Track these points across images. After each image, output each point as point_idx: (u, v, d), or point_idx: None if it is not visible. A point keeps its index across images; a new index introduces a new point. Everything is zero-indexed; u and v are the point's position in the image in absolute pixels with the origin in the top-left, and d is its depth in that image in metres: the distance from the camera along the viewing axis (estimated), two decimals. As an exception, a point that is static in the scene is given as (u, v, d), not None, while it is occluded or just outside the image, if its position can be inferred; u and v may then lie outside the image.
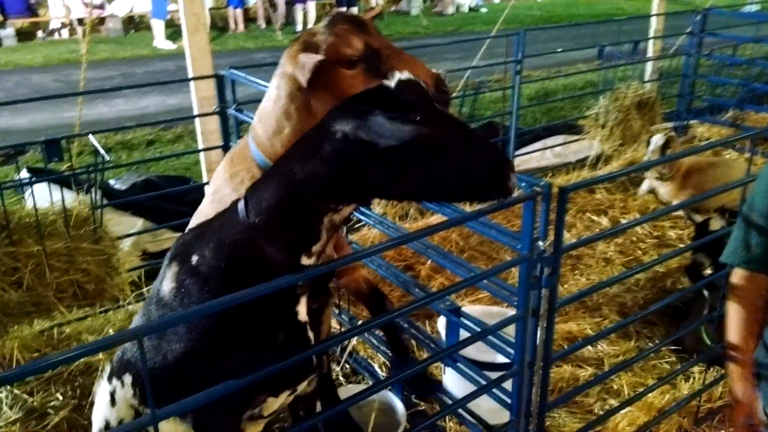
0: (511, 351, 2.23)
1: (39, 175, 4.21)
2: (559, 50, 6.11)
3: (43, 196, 3.46)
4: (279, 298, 1.59)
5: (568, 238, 5.01)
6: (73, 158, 4.61)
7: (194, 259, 1.62)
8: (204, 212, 2.16)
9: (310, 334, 1.71)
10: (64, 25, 15.51)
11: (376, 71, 2.01)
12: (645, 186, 5.63)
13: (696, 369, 3.37)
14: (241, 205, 1.61)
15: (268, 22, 16.61)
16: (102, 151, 3.17)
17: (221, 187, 2.19)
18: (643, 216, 5.20)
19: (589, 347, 3.74)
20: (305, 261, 1.61)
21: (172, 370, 1.59)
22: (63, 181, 4.00)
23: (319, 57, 1.96)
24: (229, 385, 1.44)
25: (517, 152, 5.91)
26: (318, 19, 16.77)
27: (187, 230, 1.76)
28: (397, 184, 1.55)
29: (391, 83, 1.52)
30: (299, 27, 16.10)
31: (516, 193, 1.70)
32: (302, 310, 1.68)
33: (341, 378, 3.29)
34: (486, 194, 1.62)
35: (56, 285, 3.24)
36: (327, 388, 2.42)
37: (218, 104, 3.84)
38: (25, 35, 15.27)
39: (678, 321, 3.82)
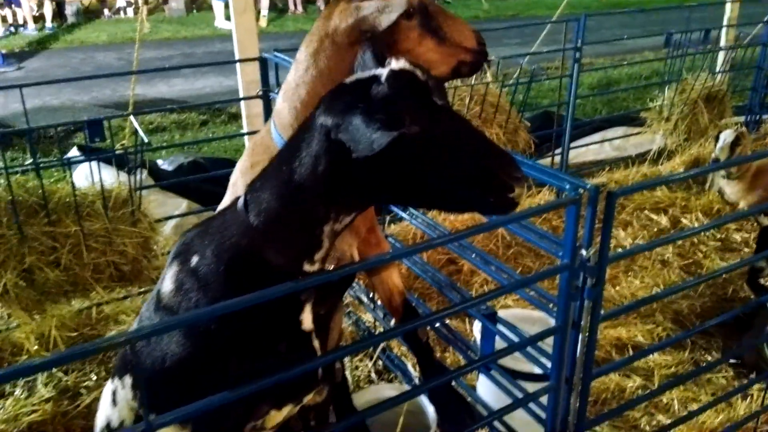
0: (548, 364, 2.07)
1: (86, 154, 4.23)
2: (623, 37, 5.77)
3: (90, 176, 3.46)
4: (280, 306, 1.48)
5: (623, 237, 4.76)
6: (126, 138, 4.65)
7: (194, 259, 1.52)
8: (224, 206, 2.07)
9: (316, 343, 1.60)
10: (129, 4, 15.82)
11: (427, 25, 1.96)
12: (715, 186, 5.27)
13: (755, 387, 3.12)
14: (240, 203, 1.51)
15: (327, 2, 16.52)
16: (141, 133, 3.13)
17: (238, 180, 2.09)
18: (707, 222, 4.89)
19: (640, 356, 3.53)
20: (308, 268, 1.49)
21: (171, 375, 1.51)
22: (109, 161, 4.02)
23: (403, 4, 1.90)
24: (226, 396, 1.35)
25: (573, 144, 5.64)
26: (378, 2, 16.60)
27: (191, 227, 1.67)
28: (387, 191, 1.40)
29: (382, 75, 1.36)
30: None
31: (562, 196, 1.53)
32: (307, 318, 1.56)
33: (373, 374, 3.19)
34: (483, 209, 1.46)
35: (93, 266, 3.23)
36: (341, 396, 2.29)
37: (261, 87, 3.77)
38: (91, 13, 15.66)
39: (738, 332, 3.56)
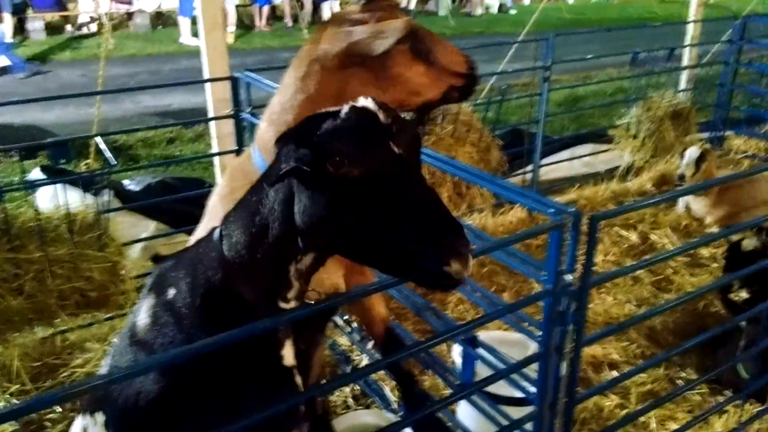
0: (531, 389, 2.05)
1: (51, 175, 4.11)
2: (589, 56, 5.85)
3: (56, 198, 3.35)
4: (258, 343, 1.42)
5: (595, 253, 4.78)
6: (91, 158, 4.53)
7: (171, 292, 1.46)
8: (199, 234, 2.01)
9: (298, 379, 1.54)
10: (92, 20, 15.56)
11: (418, 50, 1.95)
12: (681, 204, 5.37)
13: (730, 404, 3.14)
14: (216, 235, 1.45)
15: (295, 20, 16.52)
16: (109, 154, 3.05)
17: (217, 205, 2.03)
18: (675, 237, 4.95)
19: (615, 372, 3.54)
20: (283, 305, 1.43)
21: (145, 414, 1.44)
22: (74, 183, 3.91)
23: (406, 20, 1.89)
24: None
25: (543, 161, 5.70)
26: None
27: (168, 257, 1.61)
28: (327, 238, 1.33)
29: (344, 109, 1.31)
30: (326, 26, 15.96)
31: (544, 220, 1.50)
32: (288, 354, 1.50)
33: (350, 400, 3.13)
34: (423, 283, 1.36)
35: (59, 292, 3.12)
36: (323, 429, 2.22)
37: (232, 107, 3.70)
38: (54, 29, 15.36)
39: (712, 347, 3.59)
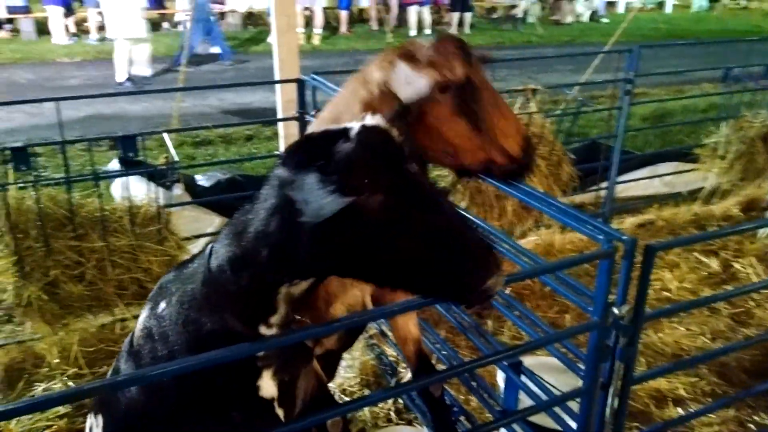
0: (573, 426, 1.91)
1: (127, 167, 4.25)
2: (677, 70, 5.53)
3: (134, 189, 3.45)
4: (234, 372, 1.35)
5: (669, 279, 4.51)
6: (166, 153, 4.67)
7: (162, 305, 1.43)
8: None
9: (279, 411, 1.47)
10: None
11: (465, 107, 1.79)
12: (761, 232, 4.98)
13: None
14: (207, 250, 1.41)
15: (380, 23, 16.61)
16: (173, 150, 3.10)
17: None
18: (762, 278, 4.54)
19: (680, 410, 3.30)
20: (264, 331, 1.36)
21: (133, 424, 1.42)
22: (145, 176, 4.03)
23: (428, 78, 1.74)
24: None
25: (620, 177, 5.42)
26: (434, 23, 16.61)
27: (172, 268, 1.59)
28: (336, 264, 1.25)
29: (353, 128, 1.22)
30: (412, 31, 15.96)
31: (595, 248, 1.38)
32: (266, 385, 1.43)
33: (392, 414, 3.06)
34: (445, 297, 1.30)
35: (118, 282, 3.21)
36: None
37: (298, 109, 3.72)
38: (153, 26, 16.09)
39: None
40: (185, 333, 1.37)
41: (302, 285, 1.34)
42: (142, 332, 1.46)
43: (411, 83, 1.75)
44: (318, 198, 1.13)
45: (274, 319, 1.36)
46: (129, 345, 1.52)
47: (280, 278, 1.32)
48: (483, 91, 1.81)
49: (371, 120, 1.25)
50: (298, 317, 1.41)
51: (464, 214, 1.24)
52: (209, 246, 1.42)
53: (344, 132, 1.22)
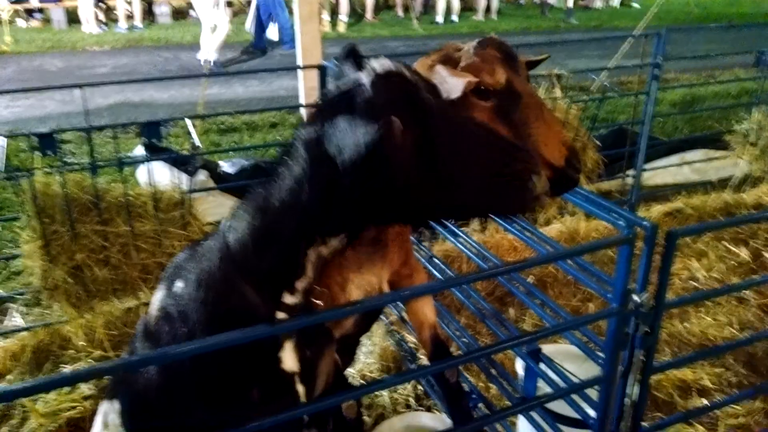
0: (592, 413, 1.89)
1: (152, 153, 4.31)
2: (706, 54, 5.39)
3: (158, 175, 3.48)
4: (254, 345, 1.35)
5: (696, 268, 4.42)
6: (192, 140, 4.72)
7: (179, 285, 1.44)
8: None
9: (300, 388, 1.47)
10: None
11: (506, 114, 1.74)
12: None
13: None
14: (223, 225, 1.41)
15: (406, 9, 16.50)
16: (195, 137, 3.13)
17: None
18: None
19: (704, 400, 3.25)
20: (288, 299, 1.36)
21: (149, 408, 1.43)
22: (169, 162, 4.07)
23: (463, 82, 1.69)
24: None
25: (648, 164, 5.33)
26: (462, 10, 16.42)
27: (185, 247, 1.60)
28: (381, 205, 1.24)
29: (365, 80, 1.23)
30: (439, 17, 15.79)
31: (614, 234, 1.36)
32: (288, 358, 1.43)
33: (412, 399, 3.06)
34: (503, 206, 1.31)
35: (142, 266, 3.26)
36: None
37: (319, 95, 3.72)
38: (179, 14, 16.21)
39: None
40: (205, 310, 1.38)
41: (333, 243, 1.34)
42: (159, 312, 1.47)
43: (445, 86, 1.71)
44: (351, 139, 1.15)
45: (300, 284, 1.37)
46: (144, 327, 1.53)
47: (311, 239, 1.32)
48: (525, 98, 1.76)
49: (380, 66, 1.27)
50: (318, 288, 1.41)
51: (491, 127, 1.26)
52: (223, 224, 1.43)
53: (358, 84, 1.24)
